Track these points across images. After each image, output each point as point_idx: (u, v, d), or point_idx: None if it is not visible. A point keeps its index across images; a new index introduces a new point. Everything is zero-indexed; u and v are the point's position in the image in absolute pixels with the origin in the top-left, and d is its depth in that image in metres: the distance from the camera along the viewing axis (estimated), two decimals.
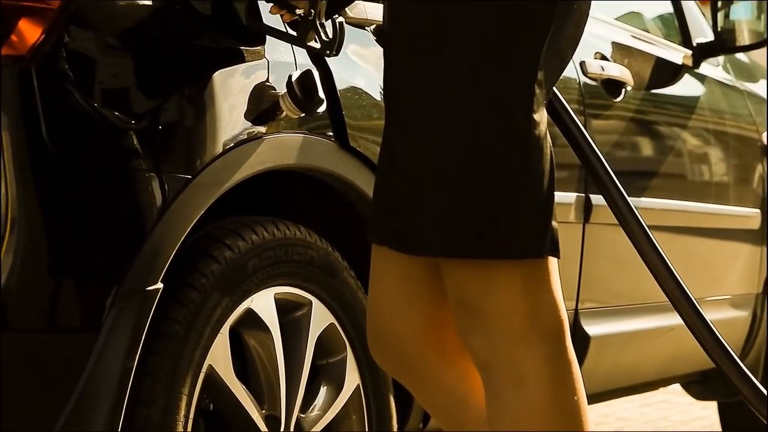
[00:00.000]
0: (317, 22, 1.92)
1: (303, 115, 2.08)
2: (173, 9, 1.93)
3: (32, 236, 1.78)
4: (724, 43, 3.58)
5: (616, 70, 3.10)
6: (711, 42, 3.60)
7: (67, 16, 1.78)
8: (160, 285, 1.90)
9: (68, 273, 1.85)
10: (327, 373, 2.25)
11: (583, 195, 2.90)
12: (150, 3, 1.90)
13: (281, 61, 2.11)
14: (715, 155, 3.56)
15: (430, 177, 1.67)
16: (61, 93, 1.80)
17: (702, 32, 3.66)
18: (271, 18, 1.98)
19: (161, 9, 1.92)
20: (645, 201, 3.12)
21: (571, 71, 2.87)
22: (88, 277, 1.86)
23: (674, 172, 3.40)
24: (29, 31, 1.75)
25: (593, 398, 2.90)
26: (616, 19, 3.43)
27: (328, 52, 1.95)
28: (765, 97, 3.88)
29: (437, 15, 1.67)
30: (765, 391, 1.82)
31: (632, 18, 3.69)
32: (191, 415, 1.99)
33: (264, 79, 2.07)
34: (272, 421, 2.11)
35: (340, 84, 2.21)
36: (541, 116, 1.69)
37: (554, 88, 1.81)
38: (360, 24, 2.27)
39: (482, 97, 1.65)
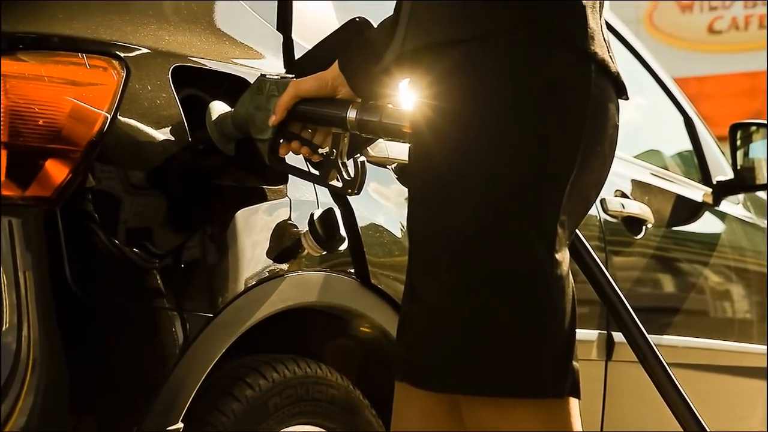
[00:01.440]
0: (339, 162, 1.95)
1: (325, 252, 2.09)
2: (197, 149, 1.96)
3: (54, 377, 1.78)
4: (743, 182, 3.60)
5: (636, 208, 3.12)
6: (731, 180, 3.62)
7: (92, 157, 1.81)
8: (180, 425, 1.89)
9: (89, 413, 1.84)
10: None
11: (605, 332, 2.89)
12: (173, 141, 1.92)
13: (303, 200, 2.12)
14: (738, 292, 3.55)
15: (450, 313, 1.67)
16: (85, 232, 1.82)
17: (722, 170, 3.68)
18: (294, 157, 2.01)
19: (185, 149, 1.94)
20: (667, 338, 3.10)
21: (591, 209, 2.88)
22: (109, 417, 1.85)
23: (696, 309, 3.39)
24: (55, 173, 1.78)
25: None
26: (636, 156, 3.46)
27: (349, 190, 1.97)
28: None
29: (452, 152, 1.69)
30: None
31: (652, 155, 3.72)
32: None
33: (286, 218, 2.09)
34: None
35: (362, 221, 2.23)
36: (564, 256, 1.70)
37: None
38: (381, 163, 2.30)
39: (505, 236, 1.66)
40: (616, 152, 1.82)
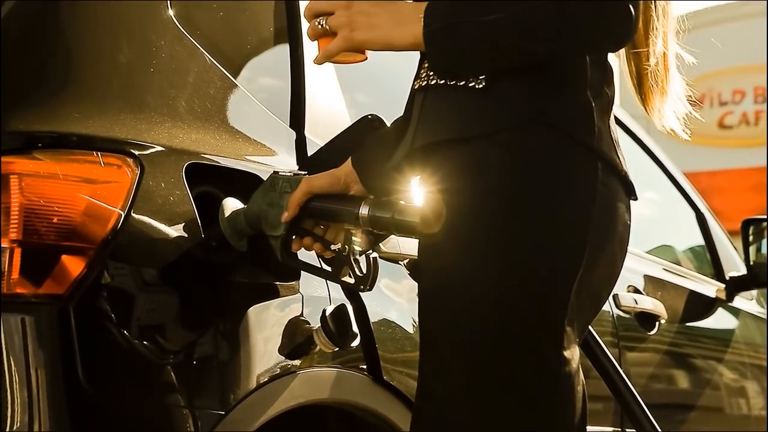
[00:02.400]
0: (351, 258, 1.95)
1: (337, 349, 2.09)
2: (210, 246, 1.97)
3: None
4: (757, 278, 3.59)
5: (649, 304, 3.11)
6: (744, 276, 3.62)
7: (106, 254, 1.82)
8: None
9: None
10: None
11: (620, 429, 2.86)
12: (186, 238, 1.93)
13: (315, 296, 2.13)
14: (752, 389, 3.53)
15: (460, 413, 1.67)
16: (97, 329, 1.82)
17: (734, 265, 3.68)
18: (306, 253, 2.01)
19: (198, 245, 1.95)
20: None
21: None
22: None
23: (711, 405, 3.36)
24: (69, 270, 1.79)
25: None
26: (648, 251, 3.46)
27: (362, 287, 1.98)
28: None
29: (462, 249, 1.70)
30: None
31: (664, 251, 3.72)
32: None
33: (298, 314, 2.09)
34: None
35: (374, 317, 2.23)
36: (573, 353, 1.69)
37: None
38: (393, 258, 2.30)
39: (512, 334, 1.67)
40: (628, 248, 1.82)
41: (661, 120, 1.90)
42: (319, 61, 1.79)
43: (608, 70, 1.78)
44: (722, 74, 17.23)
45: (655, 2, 1.82)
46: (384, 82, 2.67)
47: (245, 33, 2.31)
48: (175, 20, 2.09)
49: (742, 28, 17.07)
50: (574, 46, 1.67)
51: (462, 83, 1.72)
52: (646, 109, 1.90)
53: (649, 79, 1.87)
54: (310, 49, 2.26)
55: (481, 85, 1.70)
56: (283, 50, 2.35)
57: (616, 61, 1.90)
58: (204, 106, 2.08)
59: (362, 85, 2.63)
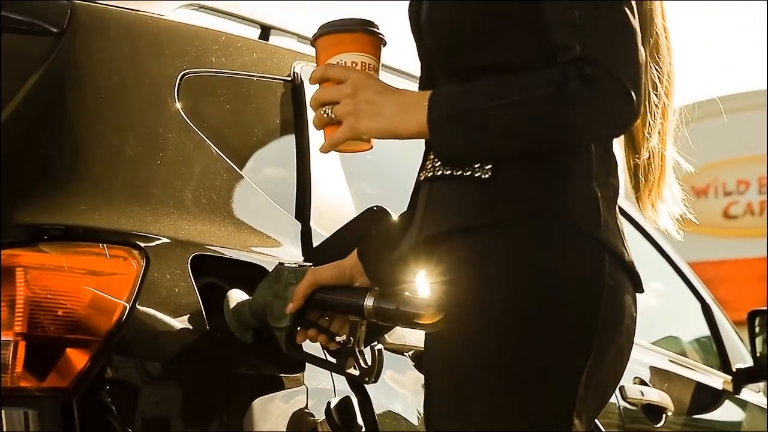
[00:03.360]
0: (356, 350, 1.94)
1: None
2: (215, 337, 1.96)
3: None
4: (763, 369, 3.57)
5: (655, 395, 3.10)
6: (751, 368, 3.60)
7: (111, 347, 1.81)
8: None
9: None
10: None
11: None
12: (191, 330, 1.93)
13: (320, 388, 2.11)
14: None
15: None
16: (101, 423, 1.80)
17: (741, 357, 3.66)
18: (311, 345, 2.01)
19: (203, 337, 1.95)
20: None
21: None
22: None
23: None
24: (73, 363, 1.78)
25: None
26: (654, 343, 3.44)
27: (366, 379, 1.97)
28: None
29: (469, 341, 1.69)
30: None
31: (669, 342, 3.71)
32: None
33: (302, 406, 2.08)
34: None
35: (379, 409, 2.21)
36: None
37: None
38: (398, 350, 2.29)
39: (522, 427, 1.66)
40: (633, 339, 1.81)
41: (656, 219, 1.90)
42: (325, 149, 1.80)
43: (613, 161, 1.79)
44: (726, 164, 17.30)
45: (649, 101, 1.82)
46: (390, 173, 2.68)
47: (251, 124, 2.33)
48: (182, 113, 2.10)
49: (746, 118, 17.18)
50: (575, 131, 1.68)
51: (468, 174, 1.73)
52: (638, 205, 1.90)
53: (641, 175, 1.87)
54: (316, 139, 2.28)
55: (487, 176, 1.71)
56: (289, 140, 2.37)
57: (620, 152, 1.91)
58: (210, 197, 2.09)
59: (368, 176, 2.64)
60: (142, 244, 1.89)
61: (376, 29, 1.81)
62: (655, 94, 1.81)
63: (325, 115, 1.76)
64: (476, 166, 1.72)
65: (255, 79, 2.32)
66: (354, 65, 1.78)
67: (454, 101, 1.70)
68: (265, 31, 2.58)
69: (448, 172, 1.75)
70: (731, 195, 17.93)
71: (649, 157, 1.86)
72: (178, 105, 2.11)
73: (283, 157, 2.37)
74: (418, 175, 1.86)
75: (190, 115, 2.12)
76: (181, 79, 2.14)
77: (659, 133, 1.85)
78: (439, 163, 1.77)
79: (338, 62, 1.78)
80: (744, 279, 16.76)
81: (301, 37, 2.60)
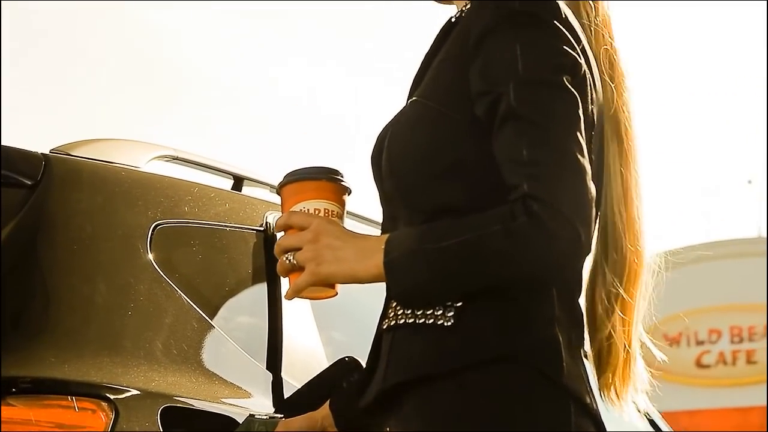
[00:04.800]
0: None
1: None
2: None
3: None
4: None
5: None
6: None
7: None
8: None
9: None
10: None
11: None
12: None
13: None
14: None
15: None
16: None
17: None
18: None
19: None
20: None
21: None
22: None
23: None
24: None
25: None
26: None
27: None
28: None
29: None
30: None
31: None
32: None
33: None
34: None
35: None
36: None
37: None
38: None
39: None
40: None
41: (618, 407, 1.88)
42: (289, 296, 1.81)
43: (577, 307, 1.79)
44: (698, 313, 17.37)
45: (605, 294, 1.83)
46: (360, 319, 2.68)
47: (223, 274, 2.34)
48: (154, 263, 2.11)
49: (718, 267, 17.32)
50: (523, 267, 1.67)
51: (431, 321, 1.73)
52: (600, 391, 1.88)
53: (603, 356, 1.86)
54: (287, 287, 2.28)
55: (449, 323, 1.71)
56: (261, 290, 2.38)
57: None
58: (180, 348, 2.09)
59: (338, 323, 2.64)
60: (112, 396, 1.87)
61: (338, 176, 1.84)
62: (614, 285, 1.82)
63: (287, 262, 1.77)
64: (438, 313, 1.72)
65: (228, 229, 2.34)
66: (317, 212, 1.80)
67: (408, 243, 1.71)
68: (238, 181, 2.61)
69: (411, 321, 1.75)
70: (703, 344, 17.96)
71: (610, 337, 1.85)
72: (150, 256, 2.11)
73: (254, 307, 2.37)
74: (380, 324, 1.86)
75: (162, 265, 2.12)
76: (153, 230, 2.15)
77: (623, 322, 1.84)
78: (401, 311, 1.77)
79: (301, 209, 1.81)
80: (718, 429, 16.69)
81: (273, 188, 2.62)
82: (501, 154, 1.69)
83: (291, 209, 1.81)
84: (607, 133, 1.84)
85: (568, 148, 1.67)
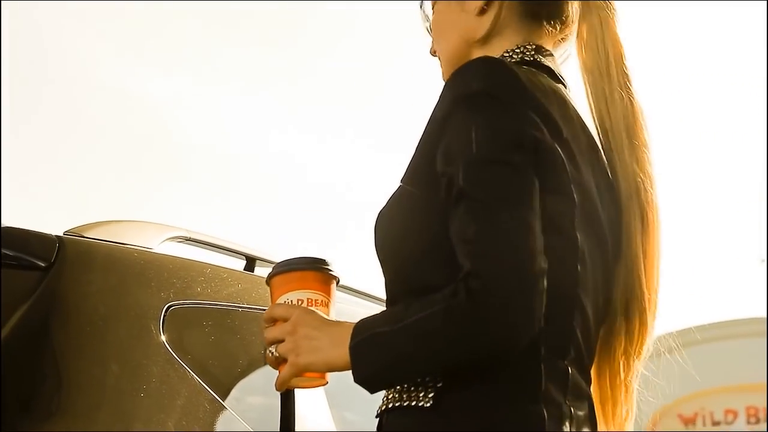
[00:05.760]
0: None
1: None
2: None
3: None
4: None
5: None
6: None
7: None
8: None
9: None
10: None
11: None
12: None
13: None
14: None
15: None
16: None
17: None
18: None
19: None
20: None
21: None
22: None
23: None
24: None
25: None
26: None
27: None
28: None
29: None
30: None
31: None
32: None
33: None
34: None
35: None
36: None
37: None
38: None
39: None
40: None
41: None
42: (277, 388, 1.83)
43: (573, 377, 1.77)
44: (714, 393, 17.23)
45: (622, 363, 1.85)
46: (373, 399, 2.67)
47: (236, 354, 2.34)
48: (166, 345, 2.11)
49: (733, 347, 17.22)
50: (461, 347, 1.65)
51: (413, 403, 1.73)
52: None
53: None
54: None
55: (429, 404, 1.71)
56: (273, 370, 2.37)
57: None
58: (193, 429, 2.08)
59: (351, 403, 2.63)
60: None
61: (323, 265, 1.86)
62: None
63: (271, 354, 1.79)
64: (420, 395, 1.72)
65: (240, 310, 2.34)
66: (300, 302, 1.83)
67: (368, 327, 1.72)
68: (251, 262, 2.62)
69: (397, 404, 1.76)
70: (719, 425, 17.79)
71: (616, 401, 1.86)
72: (163, 337, 2.12)
73: (267, 387, 2.36)
74: (378, 408, 1.86)
75: (175, 346, 2.13)
76: (166, 311, 2.15)
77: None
78: (390, 395, 1.78)
79: (285, 301, 1.84)
80: None
81: None
82: (453, 234, 1.70)
83: (276, 301, 1.84)
84: (631, 207, 1.85)
85: (514, 225, 1.66)
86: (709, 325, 17.04)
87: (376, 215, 1.86)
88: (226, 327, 2.31)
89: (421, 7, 2.02)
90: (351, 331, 1.72)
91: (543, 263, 1.65)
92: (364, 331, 1.71)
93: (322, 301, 1.84)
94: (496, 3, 1.92)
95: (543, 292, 1.65)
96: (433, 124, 1.77)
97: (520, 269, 1.64)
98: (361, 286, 3.02)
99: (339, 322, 1.78)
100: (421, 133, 1.82)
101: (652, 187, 1.87)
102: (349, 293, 2.98)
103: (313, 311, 1.81)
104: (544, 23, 1.92)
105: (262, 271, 2.58)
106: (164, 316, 2.15)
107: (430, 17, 2.00)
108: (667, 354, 1.89)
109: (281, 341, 1.79)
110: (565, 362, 1.75)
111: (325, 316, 1.80)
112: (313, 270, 1.85)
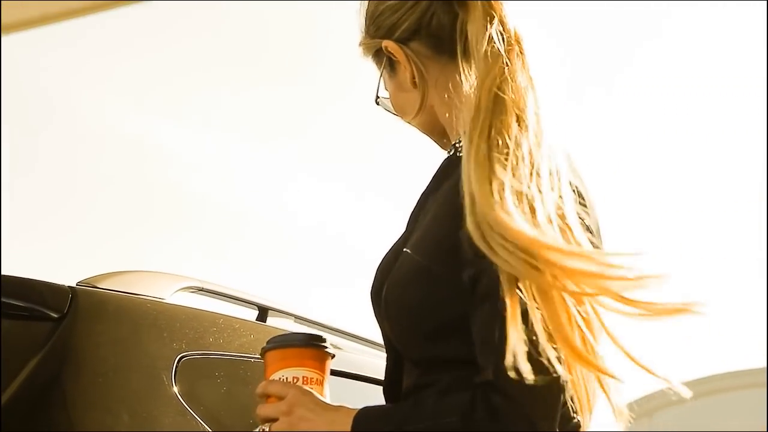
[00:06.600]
0: None
1: None
2: None
3: None
4: None
5: None
6: None
7: None
8: None
9: None
10: None
11: None
12: None
13: None
14: None
15: None
16: None
17: None
18: None
19: None
20: None
21: None
22: None
23: None
24: None
25: None
26: None
27: None
28: None
29: None
30: None
31: None
32: None
33: None
34: None
35: None
36: None
37: None
38: None
39: None
40: None
41: None
42: None
43: None
44: None
45: None
46: None
47: (248, 406, 2.32)
48: (178, 395, 2.10)
49: (740, 398, 17.14)
50: None
51: None
52: None
53: None
54: None
55: None
56: None
57: None
58: None
59: None
60: None
61: (320, 343, 1.86)
62: None
63: None
64: None
65: (252, 360, 2.34)
66: (295, 380, 1.83)
67: (373, 423, 1.73)
68: (263, 312, 2.61)
69: None
70: None
71: None
72: (176, 388, 2.11)
73: None
74: None
75: (187, 397, 2.12)
76: (179, 362, 2.15)
77: None
78: None
79: (280, 378, 1.84)
80: None
81: (298, 318, 2.63)
82: (475, 332, 1.68)
83: (270, 377, 1.84)
84: None
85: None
86: (705, 378, 16.98)
87: (382, 272, 1.85)
88: (238, 378, 2.31)
89: (377, 103, 1.99)
90: (349, 420, 1.74)
91: (565, 375, 1.61)
92: (366, 426, 1.72)
93: (317, 379, 1.85)
94: (410, 60, 1.89)
95: (563, 403, 1.63)
96: (457, 200, 1.69)
97: (545, 391, 1.61)
98: (372, 335, 3.02)
99: (336, 407, 1.79)
100: (438, 204, 1.80)
101: None
102: (361, 343, 2.97)
103: (310, 392, 1.81)
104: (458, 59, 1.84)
105: (274, 322, 2.58)
106: (176, 366, 2.14)
107: (391, 108, 1.98)
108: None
109: (275, 420, 1.79)
110: None
111: (320, 396, 1.81)
112: (310, 347, 1.86)
